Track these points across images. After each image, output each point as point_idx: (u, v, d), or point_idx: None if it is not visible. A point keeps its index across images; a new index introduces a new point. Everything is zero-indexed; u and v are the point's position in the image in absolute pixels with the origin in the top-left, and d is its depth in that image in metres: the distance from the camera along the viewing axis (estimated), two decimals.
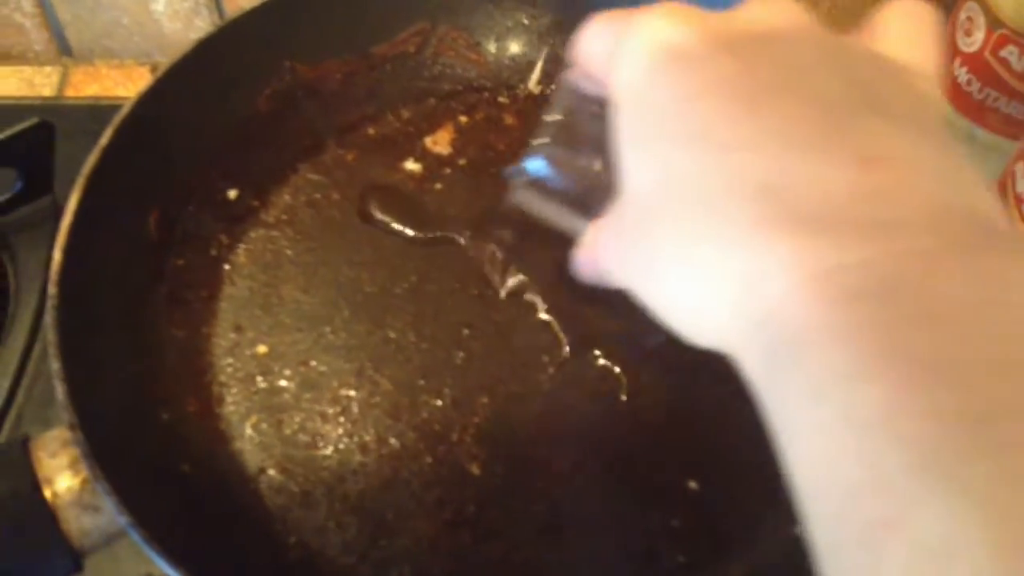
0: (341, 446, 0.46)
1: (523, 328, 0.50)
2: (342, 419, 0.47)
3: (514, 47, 0.61)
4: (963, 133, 0.59)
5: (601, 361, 0.49)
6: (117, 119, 0.48)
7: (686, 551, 0.43)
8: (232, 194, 0.54)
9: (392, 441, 0.47)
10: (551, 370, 0.49)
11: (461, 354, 0.50)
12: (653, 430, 0.47)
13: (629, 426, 0.47)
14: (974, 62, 0.56)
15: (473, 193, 0.56)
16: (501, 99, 0.61)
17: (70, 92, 0.69)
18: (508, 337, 0.50)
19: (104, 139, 0.47)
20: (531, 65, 0.61)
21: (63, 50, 0.69)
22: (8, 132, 0.57)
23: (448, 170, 0.57)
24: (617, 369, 0.48)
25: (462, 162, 0.58)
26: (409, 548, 0.43)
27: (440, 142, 0.59)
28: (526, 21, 0.60)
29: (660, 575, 0.43)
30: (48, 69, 0.69)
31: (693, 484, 0.45)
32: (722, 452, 0.46)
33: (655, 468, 0.46)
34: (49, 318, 0.41)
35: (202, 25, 0.69)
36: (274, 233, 0.54)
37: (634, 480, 0.46)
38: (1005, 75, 0.54)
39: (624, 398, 0.48)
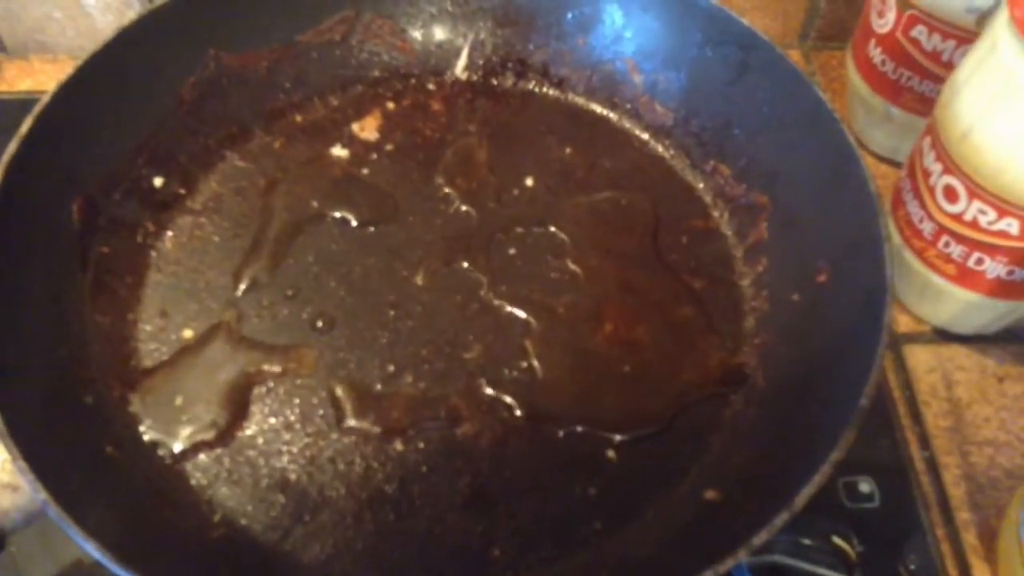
0: (266, 426, 0.47)
1: (447, 308, 0.52)
2: (268, 400, 0.48)
3: (440, 34, 0.62)
4: (880, 113, 0.61)
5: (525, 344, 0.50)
6: (38, 108, 0.48)
7: (603, 518, 0.45)
8: (158, 182, 0.55)
9: (317, 419, 0.47)
10: (477, 347, 0.50)
11: (386, 334, 0.51)
12: (574, 401, 0.49)
13: (550, 398, 0.48)
14: (887, 42, 0.58)
15: (400, 178, 0.57)
16: (428, 86, 0.62)
17: (3, 87, 0.69)
18: (433, 317, 0.51)
19: (24, 128, 0.47)
20: (457, 52, 0.62)
21: None
22: None
23: (375, 155, 0.58)
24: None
25: (389, 148, 0.59)
26: (332, 524, 0.44)
27: (367, 128, 0.60)
28: (451, 8, 0.61)
29: (578, 541, 0.44)
30: None
31: (611, 453, 0.47)
32: (638, 421, 0.48)
33: (575, 439, 0.47)
34: None
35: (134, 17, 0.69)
36: (201, 220, 0.55)
37: (556, 451, 0.47)
38: (917, 54, 0.56)
39: (540, 369, 0.49)
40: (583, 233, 0.55)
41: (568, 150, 0.59)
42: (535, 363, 0.50)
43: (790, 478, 0.39)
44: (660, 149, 0.59)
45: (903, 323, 0.57)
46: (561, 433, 0.47)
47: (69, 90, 0.50)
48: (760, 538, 0.37)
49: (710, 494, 0.44)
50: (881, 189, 0.60)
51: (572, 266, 0.53)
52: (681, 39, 0.57)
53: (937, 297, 0.54)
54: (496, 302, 0.52)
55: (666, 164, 0.58)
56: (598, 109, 0.61)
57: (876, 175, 0.62)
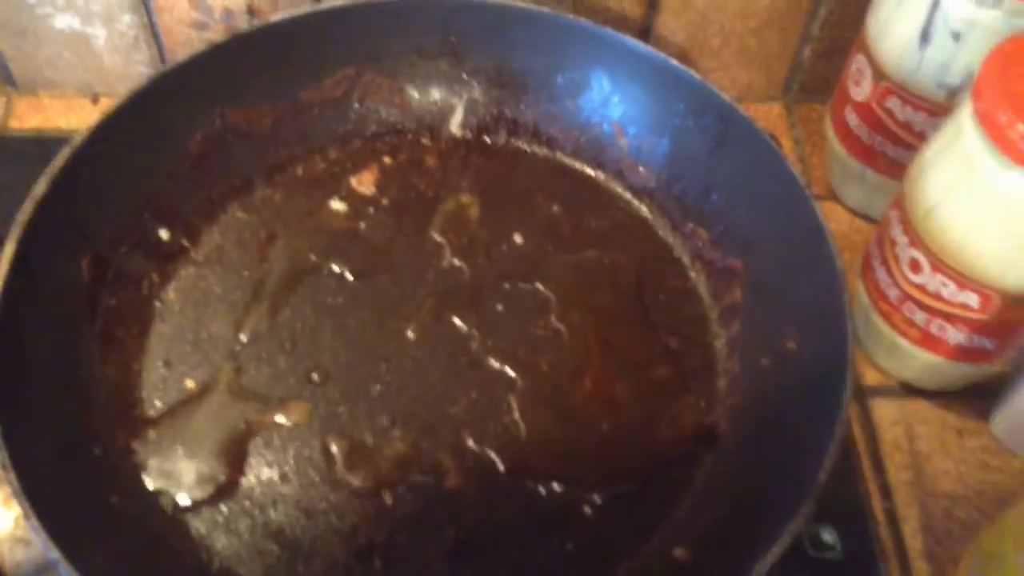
0: (263, 477, 0.50)
1: (436, 362, 0.54)
2: (265, 451, 0.51)
3: (436, 93, 0.64)
4: (855, 173, 0.64)
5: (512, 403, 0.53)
6: (52, 169, 0.51)
7: (577, 573, 0.48)
8: (164, 234, 0.57)
9: (311, 472, 0.50)
10: (463, 402, 0.53)
11: (378, 387, 0.53)
12: (554, 458, 0.51)
13: (532, 454, 0.51)
14: (863, 110, 0.60)
15: (395, 232, 0.60)
16: (424, 141, 0.65)
17: (14, 123, 0.71)
18: (423, 371, 0.54)
19: (39, 189, 0.50)
20: (452, 109, 0.64)
21: (6, 81, 0.71)
22: None
23: (372, 209, 0.61)
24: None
25: (385, 202, 0.62)
26: (324, 574, 0.47)
27: (365, 182, 0.62)
28: (447, 69, 0.64)
29: None
30: None
31: (587, 510, 0.50)
32: (615, 479, 0.50)
33: (555, 495, 0.50)
34: None
35: (141, 58, 0.71)
36: (204, 272, 0.57)
37: (536, 506, 0.50)
38: (890, 123, 0.59)
39: (523, 425, 0.51)
40: (567, 291, 0.58)
41: (556, 207, 0.62)
42: (518, 419, 0.52)
43: (751, 544, 0.42)
44: (643, 210, 0.62)
45: (871, 377, 0.59)
46: (542, 489, 0.50)
47: (83, 150, 0.52)
48: None
49: (678, 552, 0.47)
50: (855, 244, 0.64)
51: (556, 323, 0.56)
52: (665, 108, 0.60)
53: (902, 356, 0.57)
54: (483, 357, 0.55)
55: (648, 224, 0.61)
56: (585, 169, 0.63)
57: (850, 229, 0.66)
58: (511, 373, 0.54)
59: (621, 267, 0.59)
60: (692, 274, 0.59)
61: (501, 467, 0.51)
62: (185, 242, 0.58)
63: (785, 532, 0.41)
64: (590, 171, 0.63)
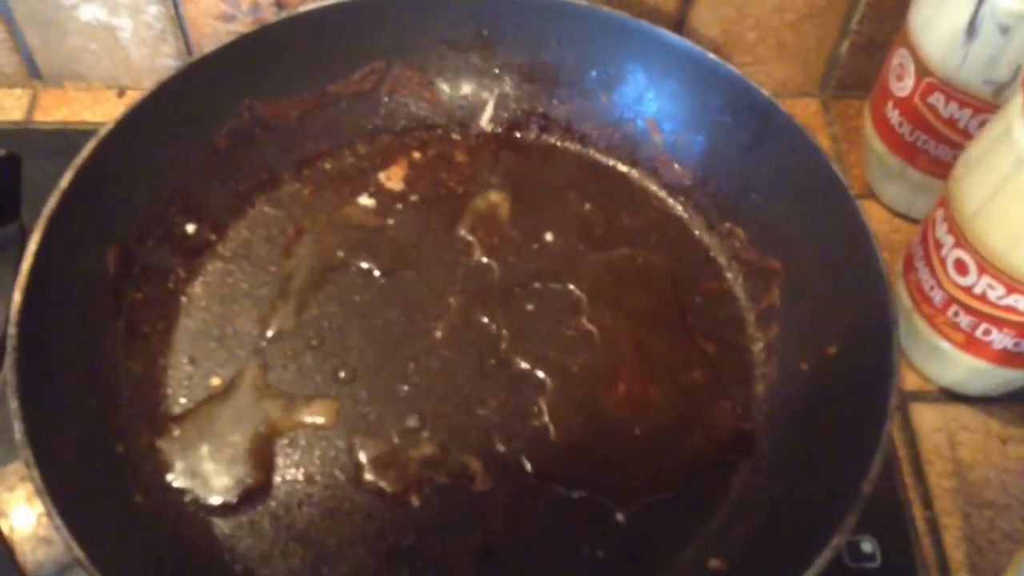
0: (288, 476, 0.49)
1: (465, 363, 0.53)
2: (290, 450, 0.50)
3: (466, 87, 0.63)
4: (895, 171, 0.63)
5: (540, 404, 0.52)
6: (77, 161, 0.50)
7: None
8: (190, 228, 0.56)
9: (336, 473, 0.49)
10: (492, 403, 0.52)
11: (406, 387, 0.52)
12: (585, 463, 0.50)
13: (562, 459, 0.50)
14: (905, 106, 0.59)
15: (424, 229, 0.59)
16: (454, 136, 0.63)
17: (39, 115, 0.70)
18: (451, 371, 0.53)
19: (64, 182, 0.49)
20: (483, 104, 0.63)
21: (32, 74, 0.71)
22: None
23: (400, 205, 0.60)
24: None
25: (414, 198, 0.60)
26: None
27: (393, 178, 0.61)
28: (478, 62, 0.63)
29: None
30: (18, 92, 0.71)
31: (620, 516, 0.48)
32: (648, 486, 0.49)
33: (586, 500, 0.49)
34: (8, 359, 0.43)
35: (168, 51, 0.70)
36: (231, 267, 0.57)
37: (566, 512, 0.49)
38: (933, 120, 0.57)
39: (553, 428, 0.50)
40: (599, 291, 0.56)
41: (588, 206, 0.60)
42: (548, 422, 0.51)
43: (790, 556, 0.40)
44: (678, 208, 0.60)
45: (911, 381, 0.57)
46: (573, 494, 0.49)
47: (109, 143, 0.52)
48: None
49: (714, 563, 0.46)
50: (894, 244, 0.63)
51: (588, 324, 0.55)
52: (702, 103, 0.58)
53: (944, 360, 0.55)
54: (512, 359, 0.53)
55: (683, 224, 0.60)
56: (618, 166, 0.62)
57: (890, 229, 0.64)
58: (541, 375, 0.53)
59: (655, 267, 0.58)
60: (729, 275, 0.57)
61: (530, 471, 0.49)
62: (212, 236, 0.57)
63: (828, 547, 0.39)
64: (624, 168, 0.62)
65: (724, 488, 0.49)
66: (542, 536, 0.48)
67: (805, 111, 0.71)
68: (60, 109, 0.71)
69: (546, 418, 0.51)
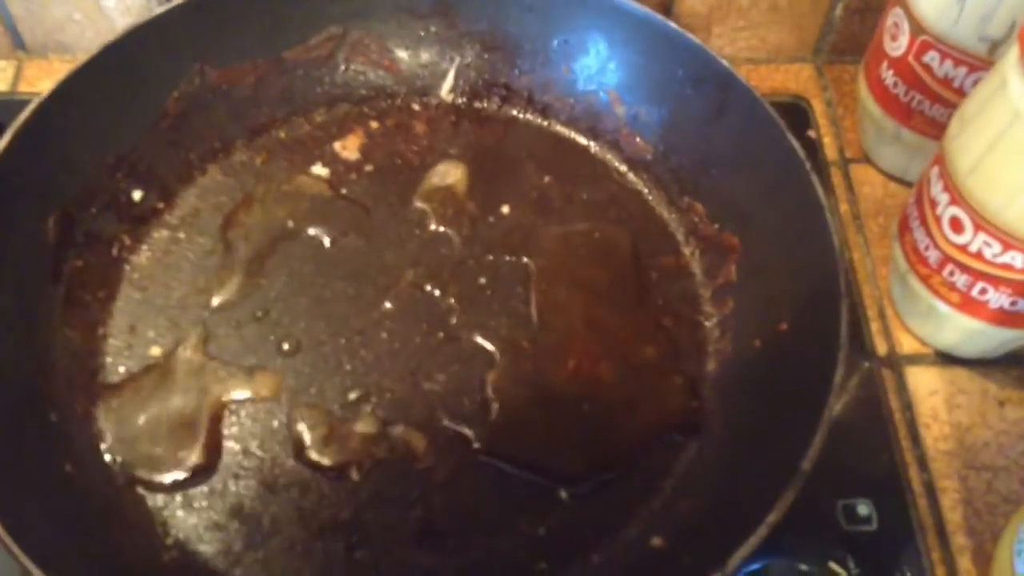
0: (226, 448, 0.48)
1: (413, 336, 0.52)
2: (230, 422, 0.49)
3: (426, 55, 0.62)
4: (890, 133, 0.61)
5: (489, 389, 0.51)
6: (16, 123, 0.49)
7: (549, 559, 0.45)
8: (137, 195, 0.55)
9: (276, 446, 0.48)
10: (439, 378, 0.51)
11: (351, 360, 0.51)
12: (532, 441, 0.49)
13: (507, 436, 0.49)
14: (900, 66, 0.57)
15: (378, 200, 0.58)
16: (413, 106, 0.62)
17: (24, 87, 0.69)
18: (399, 345, 0.52)
19: (2, 142, 0.48)
20: (443, 74, 0.62)
21: (17, 44, 0.70)
22: None
23: (354, 175, 0.59)
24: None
25: (369, 168, 0.59)
26: (283, 553, 0.45)
27: (349, 147, 0.60)
28: (438, 30, 0.61)
29: None
30: (2, 64, 0.69)
31: (563, 493, 0.47)
32: (592, 464, 0.48)
33: (530, 477, 0.48)
34: None
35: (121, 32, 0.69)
36: (178, 235, 0.55)
37: (509, 488, 0.48)
38: (928, 79, 0.56)
39: (500, 404, 0.49)
40: (554, 265, 0.55)
41: (547, 179, 0.59)
42: (495, 398, 0.50)
43: (729, 535, 0.39)
44: (638, 183, 0.59)
45: (906, 344, 0.56)
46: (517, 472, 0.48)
47: (51, 105, 0.50)
48: None
49: (656, 541, 0.45)
50: (889, 208, 0.61)
51: (541, 299, 0.54)
52: (663, 74, 0.57)
53: (940, 322, 0.54)
54: (462, 333, 0.52)
55: (642, 198, 0.58)
56: (579, 139, 0.61)
57: (884, 194, 0.63)
58: (490, 349, 0.52)
59: (612, 242, 0.57)
60: (686, 250, 0.56)
61: (475, 447, 0.48)
62: (159, 204, 0.56)
63: (763, 523, 0.38)
64: (584, 141, 0.61)
65: (670, 466, 0.48)
66: (483, 512, 0.47)
67: (799, 76, 0.69)
68: (45, 80, 0.69)
69: (493, 393, 0.50)
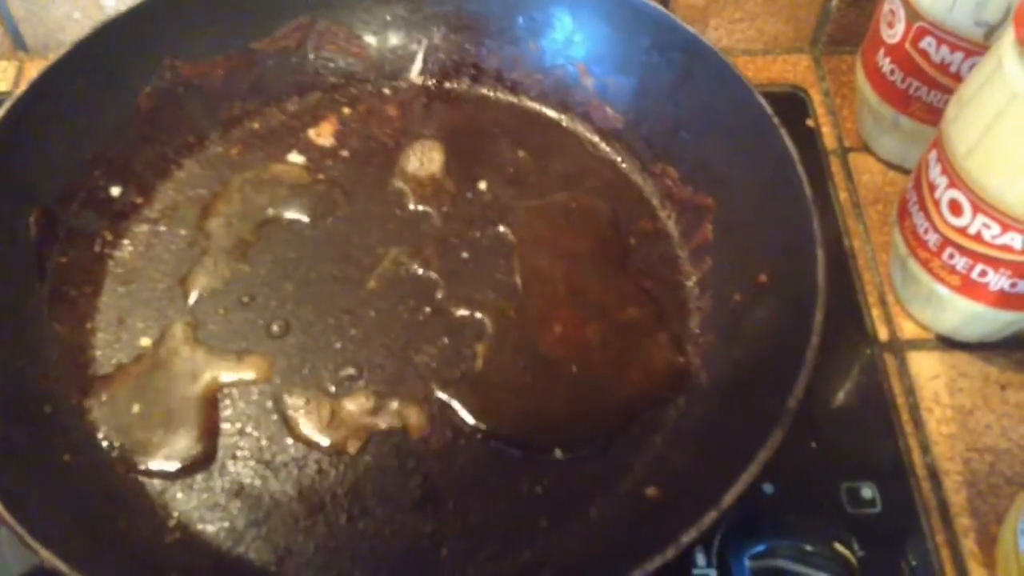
0: (223, 431, 0.48)
1: (400, 312, 0.53)
2: (223, 405, 0.49)
3: (394, 39, 0.62)
4: (888, 121, 0.62)
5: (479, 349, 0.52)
6: None
7: (549, 516, 0.46)
8: (115, 191, 0.55)
9: (271, 425, 0.49)
10: (429, 351, 0.52)
11: (340, 339, 0.52)
12: (521, 408, 0.50)
13: (499, 399, 0.50)
14: (897, 53, 0.58)
15: (356, 184, 0.58)
16: (384, 90, 0.63)
17: (25, 86, 0.69)
18: (387, 321, 0.52)
19: None
20: (412, 57, 0.63)
21: (18, 45, 0.69)
22: None
23: (331, 161, 0.59)
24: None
25: (345, 153, 0.60)
26: (285, 528, 0.46)
27: (323, 134, 0.61)
28: (405, 14, 0.62)
29: (524, 540, 0.45)
30: (3, 64, 0.69)
31: (559, 453, 0.48)
32: (585, 420, 0.49)
33: (525, 439, 0.49)
34: None
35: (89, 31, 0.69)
36: (158, 228, 0.56)
37: (504, 452, 0.48)
38: (925, 66, 0.57)
39: (490, 372, 0.50)
40: (534, 236, 0.56)
41: (521, 153, 0.60)
42: (486, 366, 0.51)
43: (722, 478, 0.40)
44: (611, 152, 0.60)
45: (907, 330, 0.57)
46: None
47: (25, 105, 0.51)
48: (689, 536, 0.38)
49: (651, 491, 0.46)
50: (889, 195, 0.62)
51: (523, 269, 0.55)
52: (629, 44, 0.58)
53: (941, 306, 0.54)
54: (449, 306, 0.53)
55: (616, 167, 0.59)
56: (550, 113, 0.62)
57: (884, 181, 0.63)
58: (477, 320, 0.53)
59: (589, 210, 0.58)
60: (662, 214, 0.57)
61: (468, 417, 0.49)
62: (138, 199, 0.56)
63: (754, 462, 0.39)
64: (556, 115, 0.62)
65: (661, 420, 0.49)
66: (481, 477, 0.48)
67: (797, 66, 0.70)
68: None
69: (484, 363, 0.51)
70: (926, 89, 0.58)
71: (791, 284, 0.47)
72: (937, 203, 0.50)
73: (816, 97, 0.68)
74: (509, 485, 0.47)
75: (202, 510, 0.46)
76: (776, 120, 0.50)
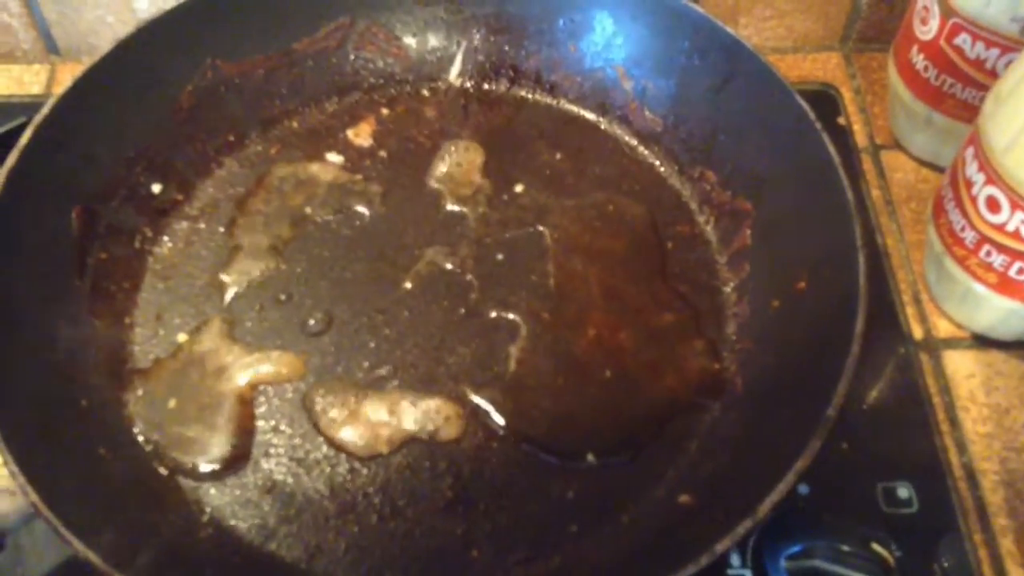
0: (256, 428, 0.49)
1: (434, 313, 0.53)
2: (258, 402, 0.50)
3: (434, 41, 0.62)
4: (921, 118, 0.61)
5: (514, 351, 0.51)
6: (37, 119, 0.50)
7: (579, 521, 0.46)
8: (156, 188, 0.56)
9: (304, 424, 0.49)
10: (462, 352, 0.51)
11: (375, 338, 0.52)
12: (553, 411, 0.49)
13: (532, 402, 0.49)
14: (930, 49, 0.57)
15: (392, 184, 0.58)
16: (422, 92, 0.63)
17: (58, 89, 0.68)
18: (421, 322, 0.52)
19: (24, 139, 0.49)
20: (451, 58, 0.63)
21: (50, 49, 0.70)
22: None
23: (368, 161, 0.59)
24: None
25: (383, 154, 0.60)
26: (316, 526, 0.46)
27: (362, 134, 0.61)
28: (444, 15, 0.62)
29: (554, 544, 0.45)
30: (36, 67, 0.70)
31: (591, 457, 0.48)
32: (618, 425, 0.49)
33: (557, 443, 0.48)
34: None
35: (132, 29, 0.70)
36: (198, 225, 0.56)
37: (536, 456, 0.48)
38: (960, 62, 0.56)
39: (523, 375, 0.50)
40: (570, 238, 0.56)
41: (558, 155, 0.60)
42: (519, 369, 0.51)
43: (757, 486, 0.40)
44: (648, 155, 0.59)
45: (942, 329, 0.56)
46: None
47: (68, 101, 0.51)
48: (723, 545, 0.37)
49: (684, 498, 0.45)
50: (922, 193, 0.62)
51: (559, 271, 0.54)
52: (669, 47, 0.57)
53: (977, 304, 0.53)
54: (483, 307, 0.53)
55: (654, 170, 0.59)
56: (589, 115, 0.61)
57: (916, 179, 0.63)
58: (511, 322, 0.52)
59: (626, 214, 0.57)
60: (700, 219, 0.56)
61: (500, 419, 0.49)
62: (178, 196, 0.57)
63: (791, 471, 0.39)
64: (594, 117, 0.61)
65: (695, 427, 0.48)
66: (512, 479, 0.47)
67: (827, 65, 0.70)
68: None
69: (517, 365, 0.51)
70: (960, 86, 0.57)
71: (831, 291, 0.46)
72: (974, 200, 0.49)
73: (847, 95, 0.67)
74: (540, 489, 0.47)
75: (235, 506, 0.46)
76: (819, 124, 0.50)
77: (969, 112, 0.56)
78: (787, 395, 0.45)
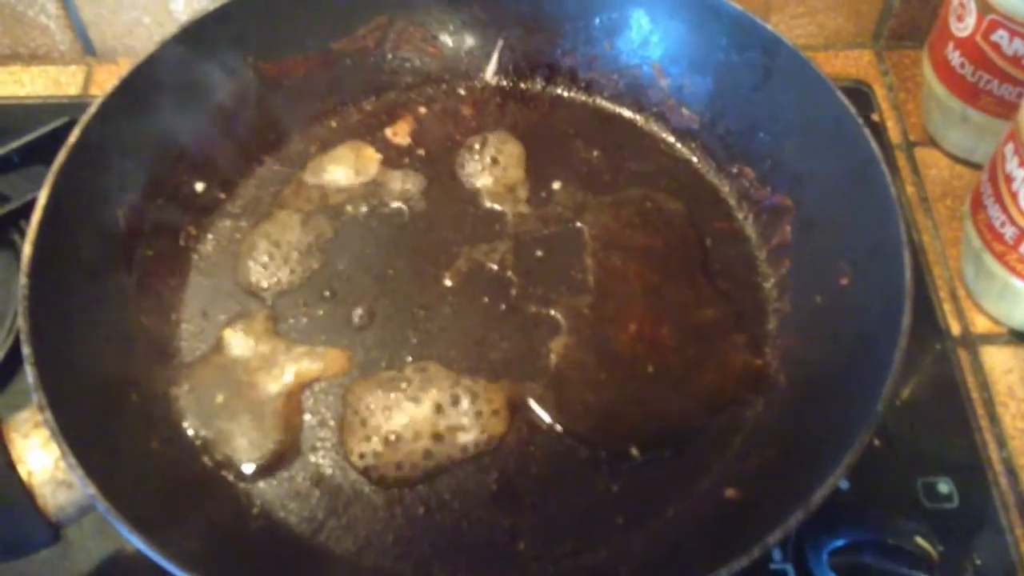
0: (303, 421, 0.49)
1: (475, 309, 0.53)
2: (305, 396, 0.50)
3: (470, 40, 0.63)
4: (956, 115, 0.61)
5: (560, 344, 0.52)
6: (84, 118, 0.51)
7: (625, 514, 0.46)
8: (199, 187, 0.57)
9: (350, 417, 0.49)
10: (503, 347, 0.52)
11: (417, 334, 0.52)
12: (598, 400, 0.50)
13: (574, 397, 0.50)
14: (967, 46, 0.57)
15: (431, 182, 0.59)
16: (459, 90, 0.63)
17: (95, 90, 0.70)
18: (462, 318, 0.53)
19: (72, 137, 0.50)
20: (487, 57, 0.63)
21: (87, 50, 0.71)
22: (38, 132, 0.61)
23: (407, 159, 0.60)
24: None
25: (421, 152, 0.60)
26: (365, 518, 0.46)
27: (400, 133, 0.61)
28: (481, 14, 0.62)
29: (600, 537, 0.45)
30: (73, 68, 0.71)
31: (635, 452, 0.48)
32: (661, 420, 0.49)
33: (601, 436, 0.49)
34: (20, 307, 0.44)
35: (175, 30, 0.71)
36: (241, 223, 0.57)
37: (580, 450, 0.48)
38: (996, 58, 0.56)
39: (565, 370, 0.50)
40: (609, 235, 0.56)
41: (595, 153, 0.60)
42: (560, 364, 0.51)
43: (806, 479, 0.40)
44: (686, 152, 0.60)
45: (980, 324, 0.56)
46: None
47: (114, 101, 0.52)
48: (775, 537, 0.38)
49: (730, 492, 0.45)
50: (956, 189, 0.62)
51: (598, 268, 0.55)
52: (707, 44, 0.58)
53: (1016, 300, 0.54)
54: (523, 303, 0.53)
55: (692, 167, 0.59)
56: (625, 113, 0.62)
57: (951, 176, 0.63)
58: (552, 318, 0.53)
59: (664, 210, 0.57)
60: (739, 215, 0.57)
61: (543, 414, 0.49)
62: (221, 195, 0.57)
63: (841, 465, 0.39)
64: (631, 115, 0.62)
65: (739, 421, 0.49)
66: (557, 474, 0.48)
67: (859, 62, 0.70)
68: (114, 84, 0.71)
69: (558, 360, 0.51)
70: (996, 82, 0.57)
71: (876, 287, 0.46)
72: (1015, 195, 0.49)
73: (879, 92, 0.68)
74: (585, 482, 0.47)
75: (284, 499, 0.47)
76: (860, 119, 0.50)
77: (1005, 108, 0.56)
78: (833, 390, 0.46)
